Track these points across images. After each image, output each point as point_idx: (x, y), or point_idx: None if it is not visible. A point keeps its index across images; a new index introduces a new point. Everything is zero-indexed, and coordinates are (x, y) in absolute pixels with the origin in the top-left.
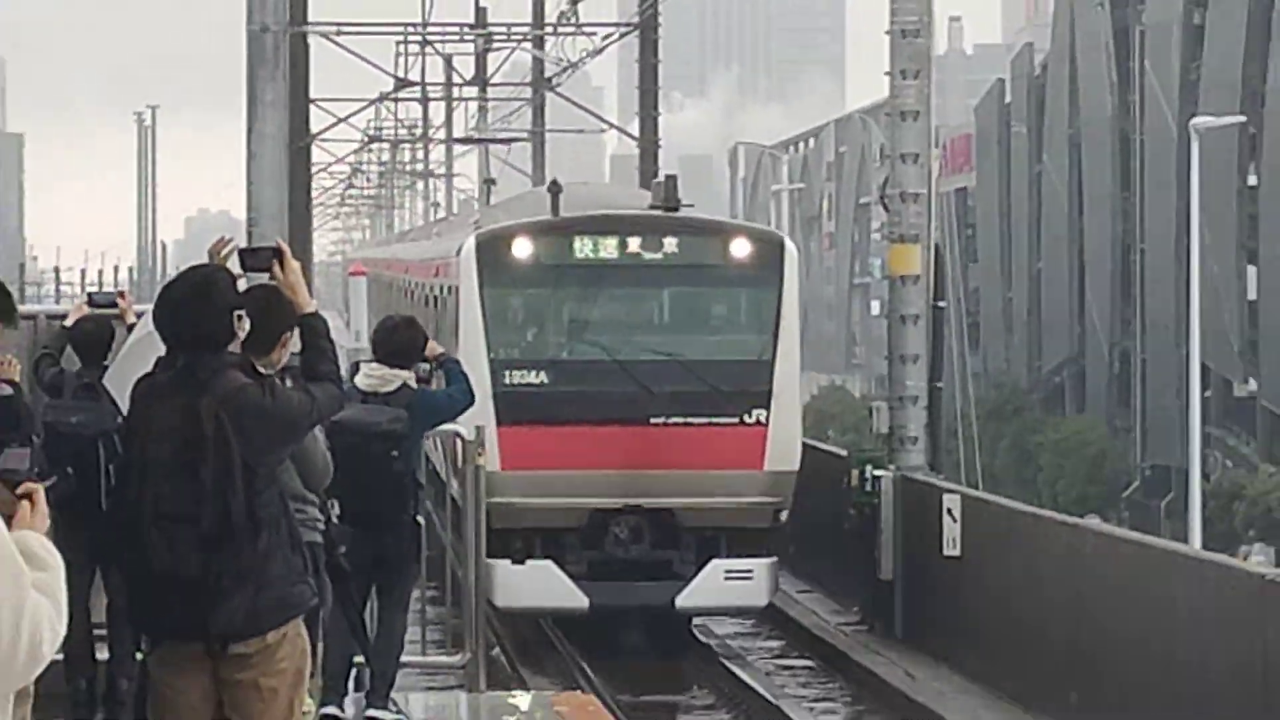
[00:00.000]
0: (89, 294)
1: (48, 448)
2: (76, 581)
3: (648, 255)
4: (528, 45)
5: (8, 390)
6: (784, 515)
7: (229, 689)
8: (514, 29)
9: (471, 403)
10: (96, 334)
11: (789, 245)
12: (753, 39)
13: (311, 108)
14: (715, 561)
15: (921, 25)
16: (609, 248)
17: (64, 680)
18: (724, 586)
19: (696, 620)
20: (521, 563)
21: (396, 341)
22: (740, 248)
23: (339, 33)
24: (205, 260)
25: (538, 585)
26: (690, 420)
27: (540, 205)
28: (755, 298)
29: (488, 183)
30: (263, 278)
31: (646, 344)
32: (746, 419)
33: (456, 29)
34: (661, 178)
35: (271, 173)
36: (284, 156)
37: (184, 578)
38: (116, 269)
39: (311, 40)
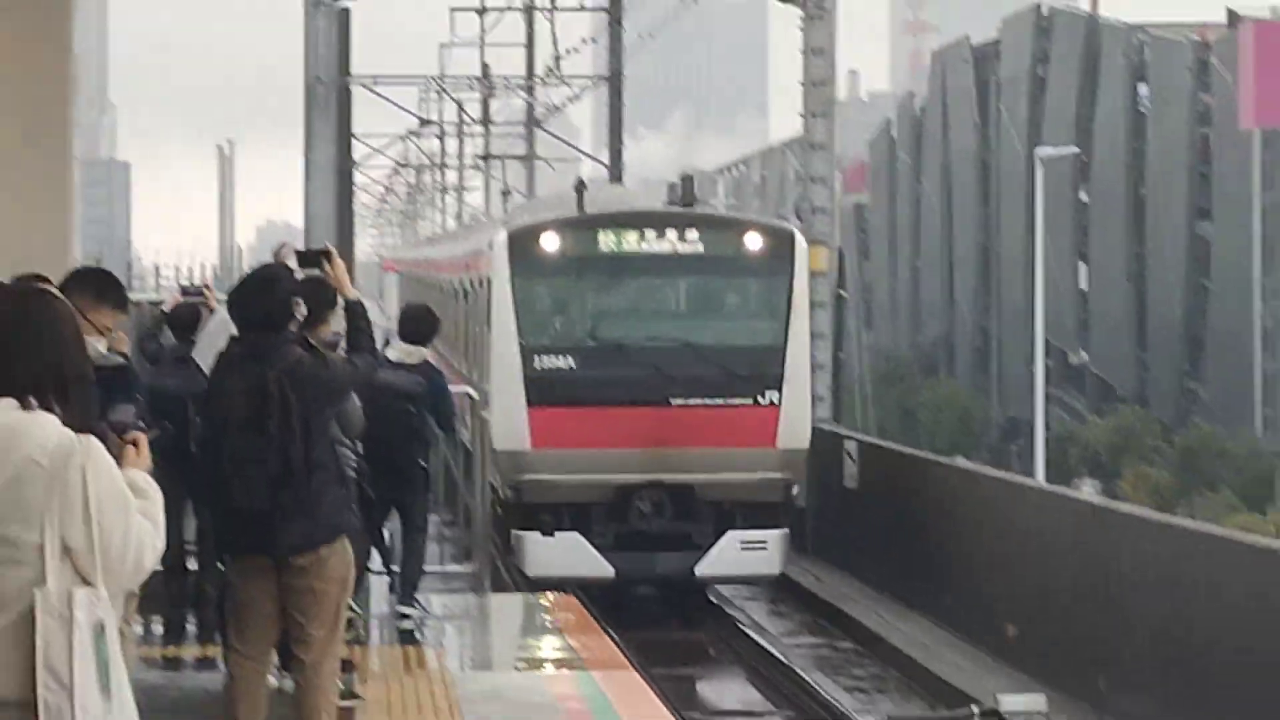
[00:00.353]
0: (181, 286)
1: (149, 406)
2: (171, 510)
3: (667, 248)
4: (522, 93)
5: (119, 360)
6: (795, 490)
7: (290, 593)
8: (511, 80)
9: None
10: (187, 316)
11: (799, 238)
12: (699, 85)
13: (353, 141)
14: (731, 533)
15: (827, 77)
16: (631, 241)
17: (162, 585)
18: (740, 556)
19: None
20: (551, 535)
21: (417, 325)
22: (754, 240)
23: (375, 83)
24: (270, 260)
25: (566, 556)
26: (708, 402)
27: (547, 207)
28: (768, 287)
29: (505, 193)
30: (315, 273)
31: (667, 331)
32: (760, 400)
33: (467, 80)
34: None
35: (323, 191)
36: (332, 179)
37: (255, 508)
38: (202, 266)
39: (353, 89)
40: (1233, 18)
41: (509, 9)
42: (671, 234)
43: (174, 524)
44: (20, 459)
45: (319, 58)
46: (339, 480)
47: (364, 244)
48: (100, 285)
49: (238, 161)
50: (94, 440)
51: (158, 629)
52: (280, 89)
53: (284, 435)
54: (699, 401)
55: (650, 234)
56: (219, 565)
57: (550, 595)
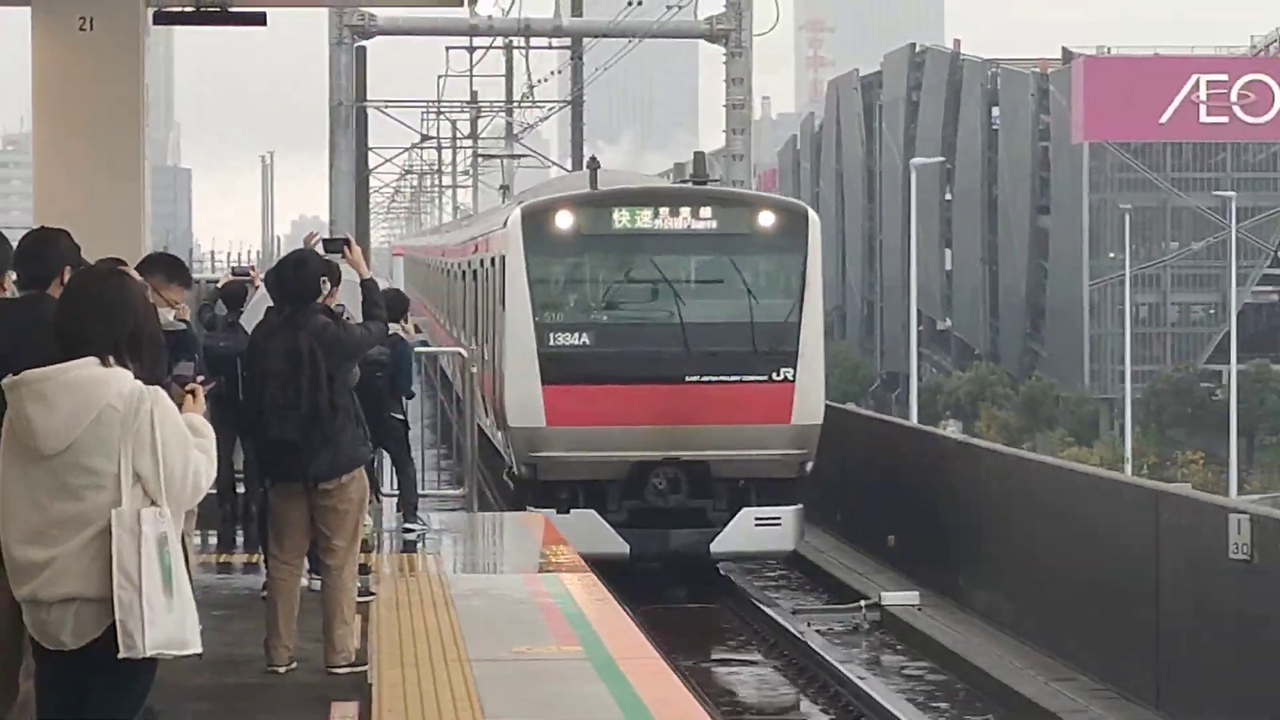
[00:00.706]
0: (232, 268)
1: (205, 363)
2: (222, 446)
3: (681, 225)
4: (504, 115)
5: (182, 326)
6: (809, 466)
7: (318, 510)
8: (495, 104)
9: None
10: (237, 291)
11: (813, 215)
12: (645, 109)
13: (369, 152)
14: (746, 509)
15: (745, 101)
16: (645, 218)
17: (216, 505)
18: (754, 533)
19: None
20: (566, 512)
21: (388, 305)
22: (768, 218)
23: (385, 106)
24: (301, 247)
25: (582, 533)
26: (723, 378)
27: (562, 186)
28: (782, 264)
29: (504, 189)
30: (337, 258)
31: (681, 308)
32: (775, 377)
33: (459, 104)
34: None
35: (344, 192)
36: (351, 183)
37: (290, 443)
38: (248, 252)
39: (368, 111)
40: (1067, 54)
41: (492, 46)
42: (686, 211)
43: (224, 457)
44: (101, 405)
45: (340, 86)
46: (356, 421)
47: (377, 235)
48: (169, 267)
49: (277, 168)
50: (160, 390)
51: (213, 540)
52: (311, 110)
53: (313, 386)
54: (714, 378)
55: (664, 211)
56: (262, 489)
57: (524, 514)
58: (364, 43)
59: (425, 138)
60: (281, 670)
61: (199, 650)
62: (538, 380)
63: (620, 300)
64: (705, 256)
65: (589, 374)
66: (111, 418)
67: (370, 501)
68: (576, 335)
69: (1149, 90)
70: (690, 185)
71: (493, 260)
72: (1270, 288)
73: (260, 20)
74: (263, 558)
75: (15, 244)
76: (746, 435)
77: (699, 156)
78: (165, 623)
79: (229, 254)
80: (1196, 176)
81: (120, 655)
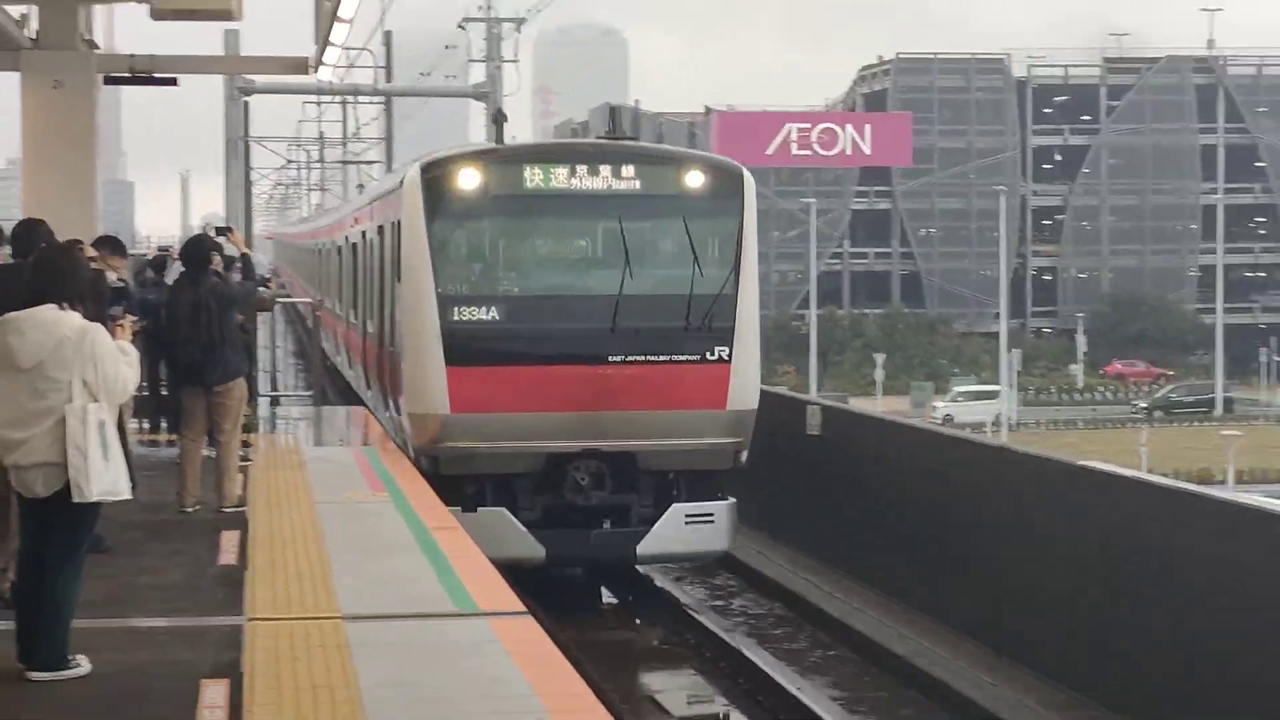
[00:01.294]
0: (158, 247)
1: (140, 309)
2: (146, 364)
3: (602, 185)
4: (340, 147)
5: (121, 284)
6: (744, 456)
7: (213, 405)
8: (333, 139)
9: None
10: (161, 262)
11: (747, 175)
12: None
13: (251, 170)
14: (676, 506)
15: (500, 143)
16: (561, 177)
17: (148, 402)
18: (684, 533)
19: None
20: (473, 510)
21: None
22: (697, 177)
23: (263, 140)
24: (201, 232)
25: (491, 535)
26: (651, 359)
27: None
28: (715, 229)
29: (359, 186)
30: (224, 239)
31: (603, 279)
32: (709, 356)
33: (314, 138)
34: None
35: (236, 198)
36: (241, 191)
37: (195, 361)
38: (171, 238)
39: (251, 143)
40: (708, 109)
41: (333, 102)
42: (606, 170)
43: (152, 371)
44: (59, 336)
45: (233, 126)
46: (237, 348)
47: (259, 225)
48: (112, 244)
49: (192, 181)
50: (100, 326)
51: (145, 425)
52: (213, 142)
53: (209, 324)
54: (641, 359)
55: (582, 170)
56: (176, 391)
57: (353, 408)
58: (246, 98)
59: (289, 161)
60: (189, 510)
61: (130, 496)
62: (441, 361)
63: (533, 270)
64: (630, 221)
65: (500, 354)
66: (66, 345)
67: (249, 400)
68: (484, 310)
69: (759, 133)
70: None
71: (383, 228)
72: (835, 261)
73: (174, 83)
74: (177, 436)
75: (10, 230)
76: (678, 422)
77: (614, 110)
78: (104, 478)
79: (157, 239)
80: (791, 189)
81: (74, 500)
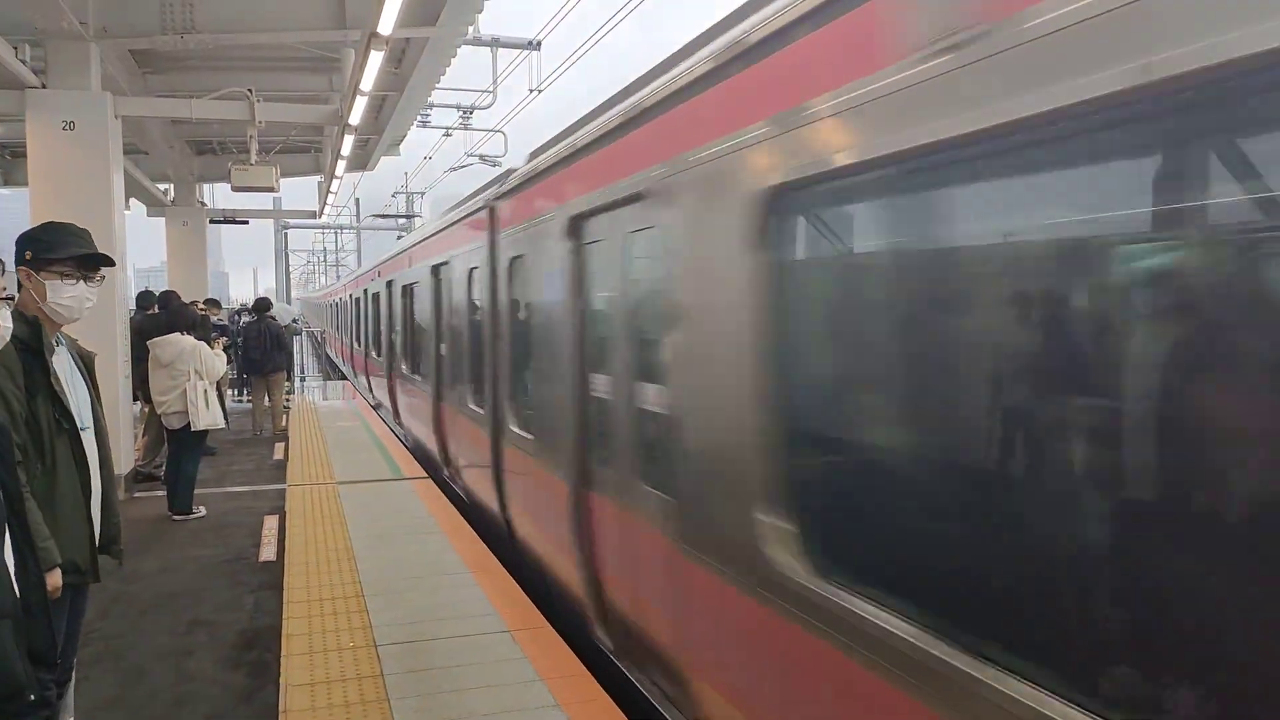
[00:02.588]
0: (246, 303)
1: (230, 334)
2: (235, 362)
3: None
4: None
5: (221, 322)
6: None
7: (270, 383)
8: (304, 211)
9: None
10: (253, 306)
11: None
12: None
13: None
14: None
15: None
16: None
17: (232, 383)
18: None
19: None
20: None
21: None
22: None
23: (292, 251)
24: (263, 295)
25: None
26: None
27: None
28: None
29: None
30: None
31: None
32: None
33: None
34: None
35: (280, 279)
36: (284, 275)
37: (257, 361)
38: (259, 289)
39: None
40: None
41: (329, 229)
42: None
43: (237, 365)
44: (181, 347)
45: (279, 242)
46: (280, 353)
47: (295, 292)
48: (214, 302)
49: (258, 270)
50: (203, 343)
51: (235, 392)
52: (268, 249)
53: (264, 342)
54: None
55: None
56: (248, 375)
57: (344, 383)
58: (286, 230)
59: (308, 260)
60: (257, 434)
61: (225, 426)
62: None
63: None
64: None
65: None
66: (185, 352)
67: (287, 379)
68: None
69: None
70: None
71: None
72: None
73: (246, 222)
74: (251, 398)
75: (159, 295)
76: None
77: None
78: (206, 417)
79: (240, 299)
80: None
81: (193, 429)
